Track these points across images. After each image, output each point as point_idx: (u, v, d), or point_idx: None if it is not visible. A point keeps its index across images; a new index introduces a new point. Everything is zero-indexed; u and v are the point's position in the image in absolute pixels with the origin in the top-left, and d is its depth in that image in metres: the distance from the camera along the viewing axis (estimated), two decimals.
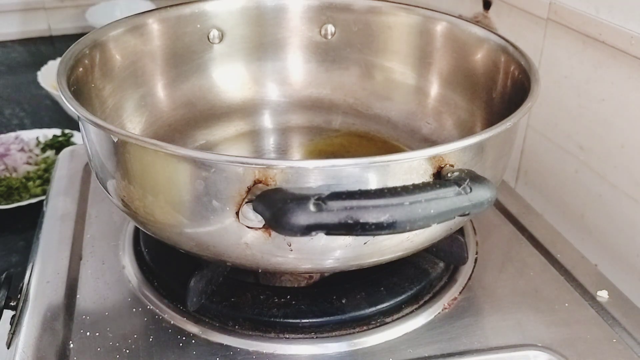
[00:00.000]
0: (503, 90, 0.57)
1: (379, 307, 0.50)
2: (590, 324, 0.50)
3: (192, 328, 0.49)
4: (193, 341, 0.48)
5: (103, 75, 0.58)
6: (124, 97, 0.61)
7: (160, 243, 0.48)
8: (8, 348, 0.49)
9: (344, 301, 0.50)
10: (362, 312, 0.50)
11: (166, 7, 0.64)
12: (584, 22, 0.64)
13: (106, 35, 0.58)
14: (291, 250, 0.42)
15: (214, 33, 0.66)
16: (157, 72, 0.64)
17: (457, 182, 0.37)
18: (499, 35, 0.58)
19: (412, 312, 0.51)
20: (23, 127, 1.06)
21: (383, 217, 0.35)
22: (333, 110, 0.70)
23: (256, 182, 0.39)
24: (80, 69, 0.53)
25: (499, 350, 0.48)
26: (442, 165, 0.41)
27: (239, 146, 0.67)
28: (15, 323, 0.50)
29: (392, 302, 0.51)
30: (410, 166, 0.40)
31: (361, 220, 0.35)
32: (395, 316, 0.50)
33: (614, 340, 0.49)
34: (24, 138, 0.96)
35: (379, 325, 0.49)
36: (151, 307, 0.51)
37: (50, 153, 0.94)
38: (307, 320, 0.49)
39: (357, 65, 0.69)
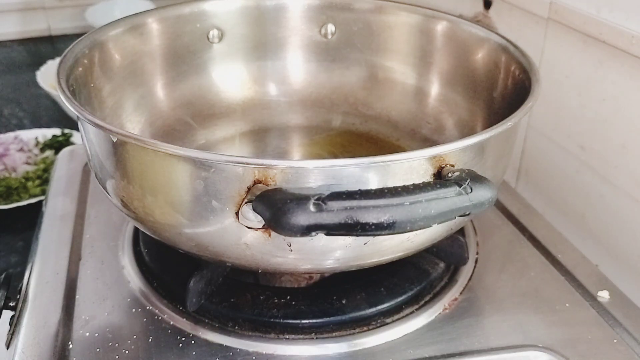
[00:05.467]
0: (504, 90, 0.57)
1: (379, 307, 0.50)
2: (591, 325, 0.50)
3: (191, 329, 0.49)
4: (192, 342, 0.47)
5: (102, 75, 0.58)
6: (123, 96, 0.60)
7: (160, 243, 0.48)
8: (7, 348, 0.49)
9: (344, 302, 0.50)
10: (363, 312, 0.50)
11: (165, 6, 0.63)
12: (584, 22, 0.64)
13: (105, 35, 0.58)
14: (291, 251, 0.41)
15: (214, 32, 0.66)
16: (157, 72, 0.64)
17: (458, 182, 0.37)
18: (500, 35, 0.58)
19: (412, 312, 0.51)
20: (22, 127, 1.06)
21: (383, 218, 0.35)
22: (333, 109, 0.70)
23: (256, 182, 0.38)
24: (80, 69, 0.53)
25: (499, 351, 0.47)
26: (443, 165, 0.41)
27: (239, 146, 0.67)
28: (15, 323, 0.50)
29: (392, 302, 0.51)
30: (410, 166, 0.40)
31: (361, 221, 0.35)
32: (396, 317, 0.50)
33: (615, 341, 0.49)
34: (23, 138, 0.96)
35: (380, 326, 0.49)
36: (150, 308, 0.51)
37: (49, 153, 0.94)
38: (307, 321, 0.49)
39: (358, 65, 0.69)
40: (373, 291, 0.51)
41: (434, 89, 0.66)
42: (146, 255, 0.55)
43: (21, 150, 0.93)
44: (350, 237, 0.40)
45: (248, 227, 0.40)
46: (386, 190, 0.36)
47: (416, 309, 0.51)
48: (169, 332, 0.48)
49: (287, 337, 0.48)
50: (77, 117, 0.44)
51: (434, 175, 0.41)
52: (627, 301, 0.53)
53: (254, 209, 0.38)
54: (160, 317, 0.50)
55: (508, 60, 0.56)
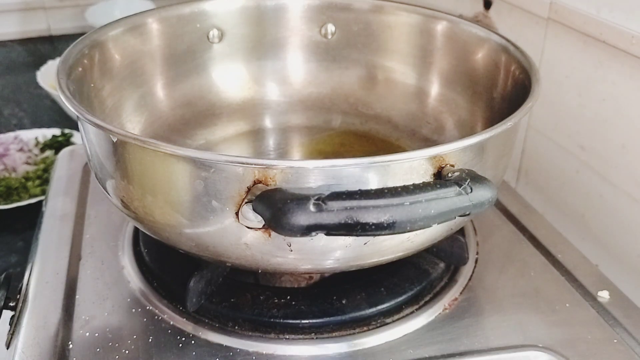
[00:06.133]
0: (504, 90, 0.57)
1: (379, 307, 0.50)
2: (591, 325, 0.50)
3: (191, 329, 0.49)
4: (192, 342, 0.47)
5: (102, 75, 0.58)
6: (123, 96, 0.60)
7: (160, 243, 0.48)
8: (7, 348, 0.49)
9: (344, 302, 0.50)
10: (363, 312, 0.50)
11: (165, 6, 0.63)
12: (584, 22, 0.64)
13: (105, 35, 0.58)
14: (291, 251, 0.41)
15: (214, 32, 0.66)
16: (157, 72, 0.64)
17: (458, 182, 0.37)
18: (500, 35, 0.58)
19: (412, 312, 0.51)
20: (22, 127, 1.06)
21: (383, 218, 0.35)
22: (333, 109, 0.70)
23: (256, 182, 0.38)
24: (80, 69, 0.53)
25: (499, 351, 0.47)
26: (443, 165, 0.41)
27: (239, 146, 0.67)
28: (15, 323, 0.50)
29: (392, 302, 0.51)
30: (410, 166, 0.40)
31: (361, 221, 0.35)
32: (396, 317, 0.50)
33: (615, 341, 0.49)
34: (23, 138, 0.96)
35: (380, 326, 0.49)
36: (150, 308, 0.51)
37: (49, 153, 0.94)
38: (307, 321, 0.49)
39: (358, 65, 0.69)
40: (373, 291, 0.51)
41: (434, 89, 0.66)
42: (146, 255, 0.55)
43: (21, 150, 0.93)
44: (350, 237, 0.40)
45: (248, 227, 0.40)
46: (386, 190, 0.36)
47: (416, 309, 0.51)
48: (169, 332, 0.48)
49: (287, 337, 0.48)
50: (77, 117, 0.44)
51: (434, 175, 0.41)
52: (627, 301, 0.53)
53: (254, 209, 0.38)
54: (160, 317, 0.50)
55: (508, 60, 0.56)
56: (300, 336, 0.48)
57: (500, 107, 0.57)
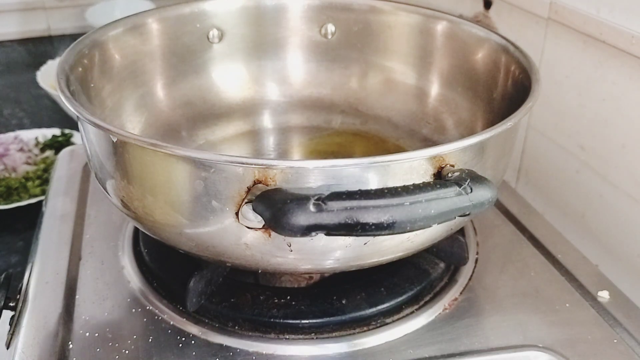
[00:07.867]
0: (504, 90, 0.57)
1: (379, 307, 0.50)
2: (591, 325, 0.50)
3: (191, 329, 0.49)
4: (192, 342, 0.47)
5: (102, 75, 0.58)
6: (123, 96, 0.60)
7: (160, 243, 0.48)
8: (7, 349, 0.49)
9: (344, 302, 0.50)
10: (363, 312, 0.50)
11: (165, 6, 0.63)
12: (584, 22, 0.64)
13: (105, 35, 0.58)
14: (291, 251, 0.41)
15: (214, 32, 0.66)
16: (157, 72, 0.64)
17: (458, 182, 0.37)
18: (500, 35, 0.58)
19: (412, 312, 0.51)
20: (22, 127, 1.06)
21: (383, 218, 0.35)
22: (333, 109, 0.70)
23: (256, 182, 0.38)
24: (80, 69, 0.53)
25: (499, 351, 0.47)
26: (443, 165, 0.41)
27: (239, 146, 0.67)
28: (15, 324, 0.50)
29: (392, 302, 0.51)
30: (410, 166, 0.40)
31: (361, 221, 0.35)
32: (396, 317, 0.50)
33: (615, 341, 0.49)
34: (23, 138, 0.96)
35: (380, 326, 0.49)
36: (150, 308, 0.51)
37: (49, 153, 0.94)
38: (307, 321, 0.49)
39: (358, 65, 0.69)
40: (373, 291, 0.51)
41: (434, 89, 0.66)
42: (146, 255, 0.55)
43: (21, 150, 0.93)
44: (350, 237, 0.40)
45: (248, 227, 0.40)
46: (386, 191, 0.36)
47: (416, 309, 0.51)
48: (169, 332, 0.48)
49: (287, 337, 0.48)
50: (77, 117, 0.44)
51: (434, 175, 0.41)
52: (627, 301, 0.53)
53: (254, 209, 0.38)
54: (160, 317, 0.50)
55: (508, 60, 0.56)
56: (300, 336, 0.48)
57: (500, 107, 0.57)
